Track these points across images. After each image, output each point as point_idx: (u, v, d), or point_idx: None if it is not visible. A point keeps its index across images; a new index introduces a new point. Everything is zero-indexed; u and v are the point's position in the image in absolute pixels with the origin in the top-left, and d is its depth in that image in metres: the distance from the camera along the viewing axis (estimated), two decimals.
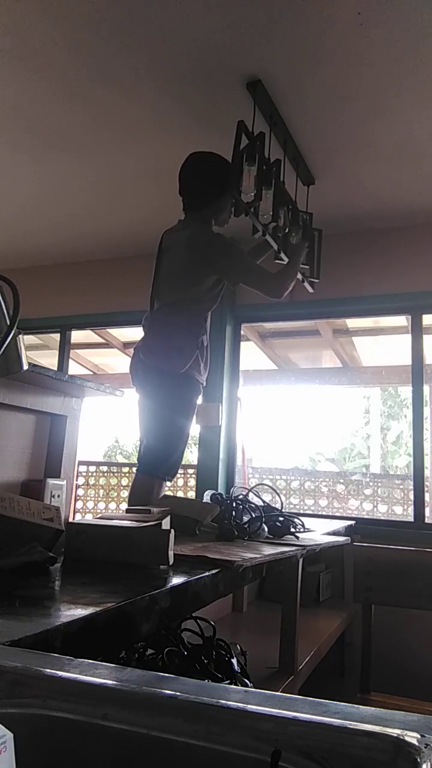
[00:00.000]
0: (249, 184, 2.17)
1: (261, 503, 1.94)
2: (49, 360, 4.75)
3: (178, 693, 0.45)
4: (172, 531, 1.16)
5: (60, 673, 0.50)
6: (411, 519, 3.36)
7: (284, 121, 2.47)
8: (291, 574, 1.91)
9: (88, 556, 1.12)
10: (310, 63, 2.15)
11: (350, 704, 0.45)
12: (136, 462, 2.36)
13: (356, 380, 5.93)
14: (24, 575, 0.97)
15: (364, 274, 3.44)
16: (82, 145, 2.79)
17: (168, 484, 2.31)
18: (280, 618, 1.88)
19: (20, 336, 1.16)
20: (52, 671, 0.50)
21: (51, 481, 1.64)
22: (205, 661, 1.30)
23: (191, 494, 5.59)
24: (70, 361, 4.64)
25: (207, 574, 1.08)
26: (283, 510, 1.97)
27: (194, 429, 3.01)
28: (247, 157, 2.17)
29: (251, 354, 4.92)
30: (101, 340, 5.17)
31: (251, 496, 2.00)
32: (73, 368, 5.54)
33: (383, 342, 4.89)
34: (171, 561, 1.12)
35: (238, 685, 1.31)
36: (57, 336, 4.47)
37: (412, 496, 3.37)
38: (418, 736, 0.39)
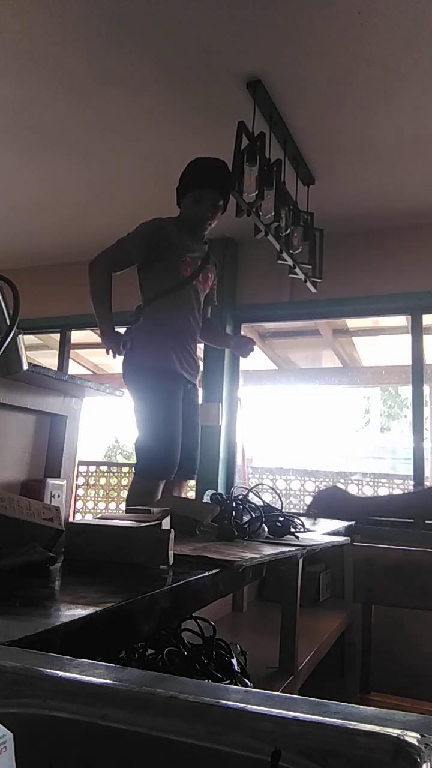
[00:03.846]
0: (250, 184, 2.18)
1: (261, 503, 1.94)
2: (49, 360, 4.74)
3: (178, 693, 0.45)
4: (172, 531, 1.16)
5: (60, 673, 0.50)
6: (411, 519, 3.36)
7: (284, 121, 2.47)
8: (291, 574, 1.91)
9: (88, 556, 1.12)
10: (310, 63, 2.15)
11: (350, 704, 0.45)
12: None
13: (356, 380, 5.92)
14: (24, 575, 0.97)
15: (364, 274, 3.44)
16: (81, 145, 2.79)
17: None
18: (280, 618, 1.88)
19: (20, 336, 1.15)
20: (52, 671, 0.50)
21: (51, 481, 1.64)
22: (205, 661, 1.30)
23: (191, 494, 5.58)
24: (70, 361, 4.64)
25: (207, 574, 1.08)
26: (283, 510, 1.97)
27: None
28: (248, 158, 2.17)
29: (251, 354, 4.91)
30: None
31: (251, 496, 2.00)
32: (73, 368, 5.54)
33: (383, 342, 4.89)
34: (171, 561, 1.12)
35: (238, 685, 1.31)
36: (57, 336, 4.47)
37: None
38: (418, 736, 0.39)
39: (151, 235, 2.30)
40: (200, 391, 3.64)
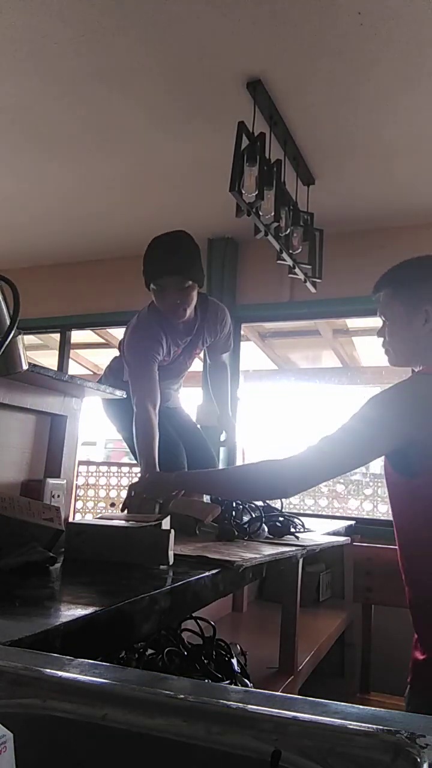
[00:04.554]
0: (250, 184, 2.18)
1: (261, 503, 1.94)
2: (49, 360, 4.74)
3: (178, 693, 0.45)
4: (172, 531, 1.16)
5: (60, 673, 0.50)
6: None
7: (284, 121, 2.47)
8: (291, 574, 1.91)
9: (88, 556, 1.12)
10: (310, 63, 2.15)
11: (350, 704, 0.45)
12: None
13: (356, 380, 5.92)
14: (24, 575, 0.97)
15: (364, 274, 3.42)
16: (81, 146, 2.79)
17: None
18: (280, 618, 1.88)
19: (20, 336, 1.15)
20: (52, 671, 0.50)
21: (51, 481, 1.64)
22: (205, 661, 1.30)
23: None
24: (70, 361, 4.64)
25: (207, 574, 1.08)
26: (283, 510, 1.97)
27: None
28: (248, 158, 2.17)
29: (251, 354, 4.92)
30: (101, 340, 5.18)
31: None
32: (73, 368, 5.53)
33: None
34: (171, 561, 1.12)
35: (238, 685, 1.31)
36: (57, 336, 4.47)
37: None
38: (418, 736, 0.39)
39: (155, 362, 2.10)
40: (201, 392, 3.65)
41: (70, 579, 1.01)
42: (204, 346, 2.33)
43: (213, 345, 2.36)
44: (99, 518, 1.49)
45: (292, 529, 1.81)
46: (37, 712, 0.45)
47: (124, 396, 2.00)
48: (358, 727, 0.40)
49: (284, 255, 2.55)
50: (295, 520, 1.89)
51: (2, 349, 1.01)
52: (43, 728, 0.45)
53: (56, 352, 4.46)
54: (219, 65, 2.18)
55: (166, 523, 1.24)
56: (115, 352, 2.49)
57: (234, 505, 1.81)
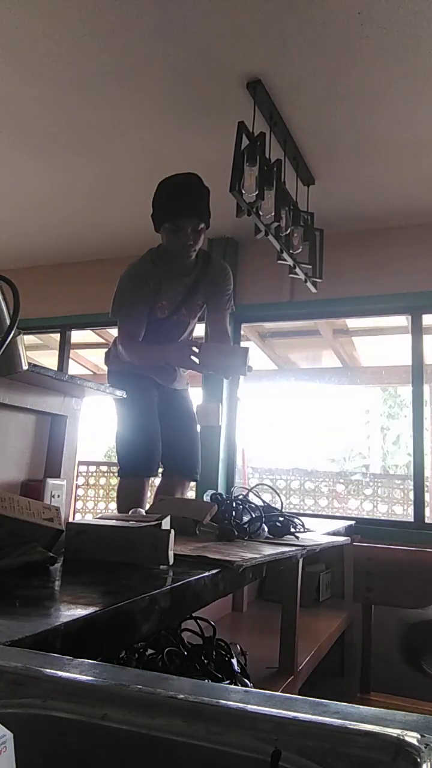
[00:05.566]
0: (251, 184, 2.18)
1: (261, 503, 1.94)
2: (49, 360, 4.75)
3: (178, 693, 0.45)
4: (172, 531, 1.16)
5: (60, 673, 0.50)
6: (411, 519, 3.36)
7: (284, 121, 2.47)
8: (291, 574, 1.91)
9: (88, 556, 1.12)
10: (310, 63, 2.15)
11: (350, 704, 0.45)
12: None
13: (356, 380, 5.93)
14: (24, 575, 0.97)
15: (364, 274, 3.44)
16: (82, 145, 2.79)
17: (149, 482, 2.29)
18: (280, 618, 1.88)
19: (20, 336, 1.15)
20: (52, 671, 0.50)
21: (51, 481, 1.64)
22: (205, 661, 1.30)
23: (191, 494, 5.58)
24: (70, 361, 4.64)
25: (207, 574, 1.08)
26: (283, 510, 1.97)
27: None
28: (248, 158, 2.17)
29: (251, 354, 4.92)
30: (101, 340, 5.18)
31: (251, 496, 2.00)
32: (73, 368, 5.54)
33: (383, 342, 4.89)
34: (171, 561, 1.12)
35: (238, 685, 1.31)
36: (57, 336, 4.47)
37: (412, 496, 3.37)
38: (418, 736, 0.39)
39: (145, 299, 2.18)
40: (201, 392, 3.65)
41: (70, 579, 1.01)
42: (197, 311, 2.35)
43: (214, 303, 2.36)
44: (99, 518, 1.49)
45: (292, 529, 1.81)
46: (37, 712, 0.45)
47: (125, 396, 2.00)
48: (358, 727, 0.40)
49: (285, 255, 2.56)
50: (295, 520, 1.88)
51: (2, 349, 1.01)
52: (43, 728, 0.45)
53: (56, 352, 4.46)
54: (219, 65, 2.18)
55: (166, 523, 1.24)
56: None
57: (234, 505, 1.81)
